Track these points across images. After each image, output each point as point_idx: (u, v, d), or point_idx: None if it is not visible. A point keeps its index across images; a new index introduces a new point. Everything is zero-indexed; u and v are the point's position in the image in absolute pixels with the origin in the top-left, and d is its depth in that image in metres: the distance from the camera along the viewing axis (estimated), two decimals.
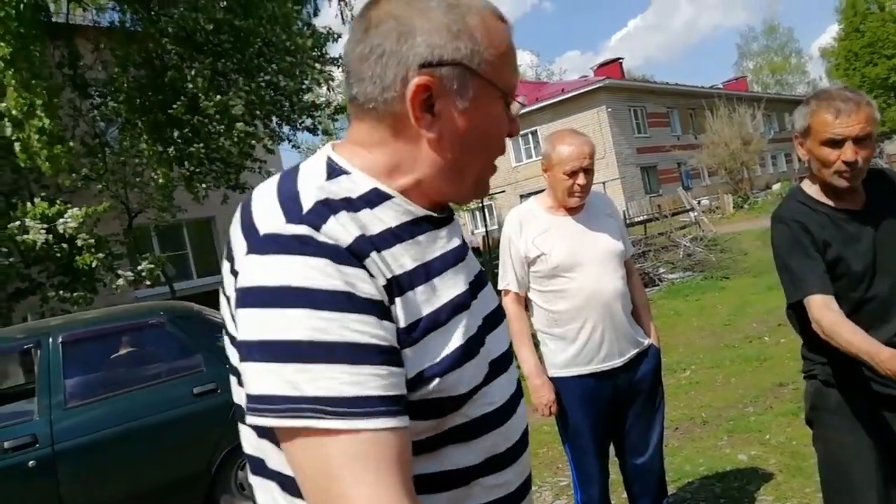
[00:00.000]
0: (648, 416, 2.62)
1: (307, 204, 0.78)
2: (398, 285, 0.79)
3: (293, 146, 12.17)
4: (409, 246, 0.83)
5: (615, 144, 29.23)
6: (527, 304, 2.65)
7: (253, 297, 0.74)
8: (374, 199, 0.83)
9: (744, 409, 4.83)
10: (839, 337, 1.80)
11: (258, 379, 0.72)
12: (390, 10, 0.81)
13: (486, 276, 1.01)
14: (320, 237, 0.74)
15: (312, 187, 0.80)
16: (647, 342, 2.62)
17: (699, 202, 21.79)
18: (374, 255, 0.77)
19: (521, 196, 31.38)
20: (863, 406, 1.97)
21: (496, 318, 0.97)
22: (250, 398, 0.73)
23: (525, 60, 68.20)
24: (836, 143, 1.85)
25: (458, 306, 0.85)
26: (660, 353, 2.67)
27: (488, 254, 13.74)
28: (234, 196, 10.83)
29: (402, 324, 0.78)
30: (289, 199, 0.79)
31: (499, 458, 0.88)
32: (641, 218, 20.63)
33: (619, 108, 29.72)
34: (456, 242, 0.92)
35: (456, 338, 0.83)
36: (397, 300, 0.78)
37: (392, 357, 0.75)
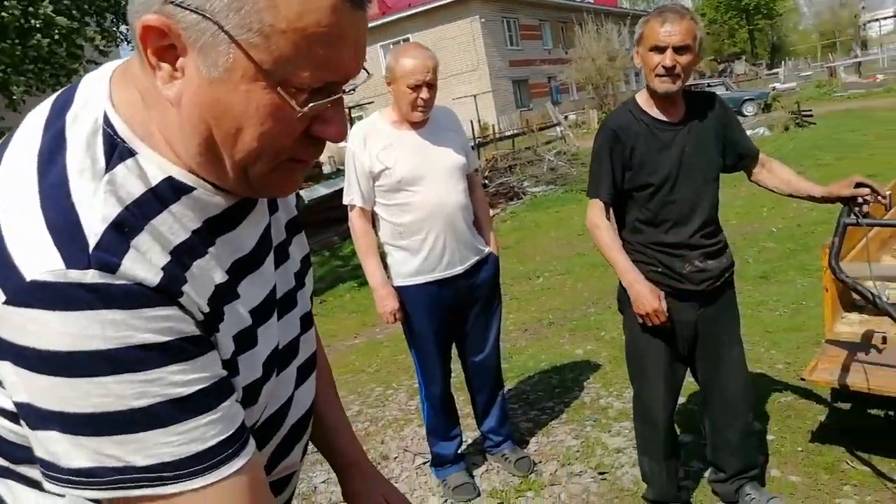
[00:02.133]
0: (486, 319, 2.81)
1: (93, 231, 0.58)
2: (215, 312, 0.66)
3: (134, 48, 11.06)
4: (216, 253, 0.68)
5: (488, 56, 29.24)
6: (374, 219, 2.70)
7: (34, 362, 0.57)
8: (169, 195, 0.65)
9: (587, 310, 5.28)
10: (599, 241, 2.24)
11: (67, 453, 0.59)
12: None
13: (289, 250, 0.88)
14: (118, 281, 0.57)
15: (92, 195, 0.60)
16: (486, 250, 2.77)
17: (566, 117, 22.53)
18: (187, 283, 0.63)
19: None
20: None
21: (290, 301, 0.85)
22: (56, 469, 0.60)
23: None
24: (660, 50, 2.06)
25: (260, 316, 0.75)
26: (498, 261, 2.83)
27: None
28: None
29: (225, 355, 0.67)
30: (64, 225, 0.58)
31: (285, 445, 0.84)
32: (511, 132, 21.05)
33: (493, 19, 29.57)
34: (254, 232, 0.77)
35: (263, 350, 0.74)
36: (220, 327, 0.67)
37: (223, 389, 0.65)
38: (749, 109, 21.80)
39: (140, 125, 0.66)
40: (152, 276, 0.59)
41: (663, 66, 2.05)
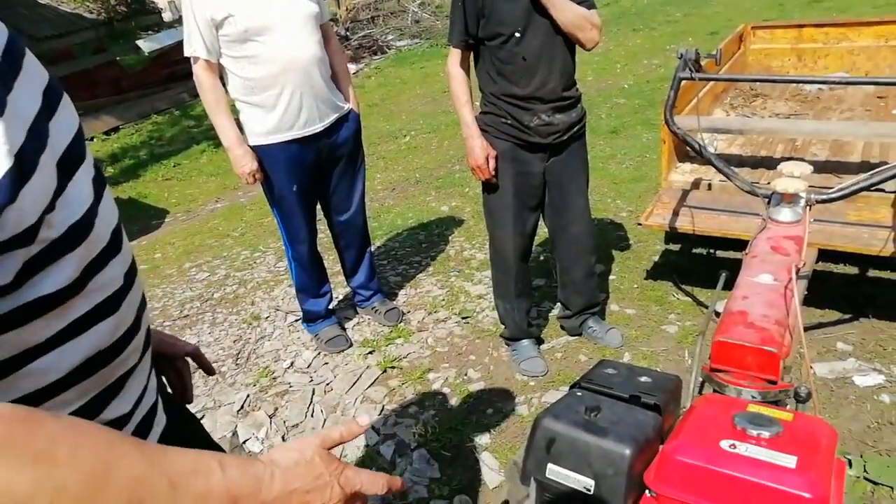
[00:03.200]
0: (350, 178, 2.81)
1: None
2: None
3: None
4: None
5: None
6: (222, 73, 2.51)
7: None
8: None
9: (451, 167, 5.39)
10: (450, 90, 2.41)
11: None
12: None
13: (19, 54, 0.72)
14: None
15: None
16: (346, 107, 2.70)
17: None
18: None
19: None
20: (503, 147, 2.38)
21: (54, 97, 0.73)
22: None
23: None
24: None
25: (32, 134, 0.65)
26: (359, 118, 2.78)
27: None
28: None
29: None
30: None
31: (98, 259, 0.76)
32: None
33: None
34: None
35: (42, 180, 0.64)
36: None
37: None
38: None
39: None
40: None
41: None
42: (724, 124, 3.04)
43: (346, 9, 13.09)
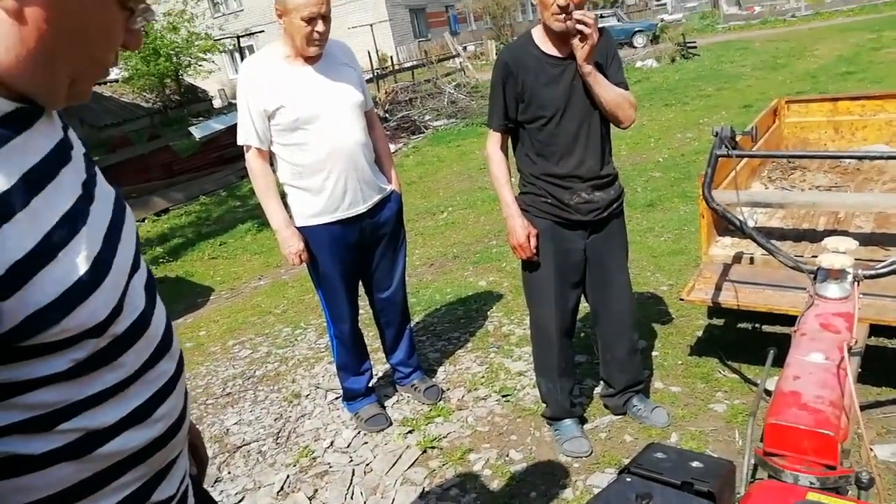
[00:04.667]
0: (392, 256, 2.87)
1: None
2: None
3: None
4: (2, 156, 0.66)
5: None
6: (272, 158, 2.64)
7: None
8: None
9: (488, 242, 5.45)
10: (490, 172, 2.46)
11: None
12: None
13: (95, 169, 0.85)
14: None
15: None
16: (389, 188, 2.79)
17: (465, 48, 22.33)
18: None
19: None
20: (544, 226, 2.41)
21: (119, 219, 0.84)
22: None
23: None
24: None
25: (73, 219, 0.73)
26: (401, 198, 2.86)
27: None
28: None
29: (0, 271, 0.63)
30: None
31: (154, 354, 0.84)
32: (410, 63, 20.66)
33: None
34: (58, 137, 0.77)
35: (80, 262, 0.71)
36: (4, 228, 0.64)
37: None
38: (639, 41, 22.45)
39: None
40: None
41: (558, 6, 2.12)
42: (763, 198, 3.02)
43: (386, 92, 13.67)
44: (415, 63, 19.27)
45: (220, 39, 20.99)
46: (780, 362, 2.09)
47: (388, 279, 2.89)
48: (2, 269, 0.64)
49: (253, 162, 2.57)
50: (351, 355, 2.90)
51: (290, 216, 2.65)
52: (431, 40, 28.07)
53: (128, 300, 0.79)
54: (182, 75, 22.53)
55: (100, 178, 0.84)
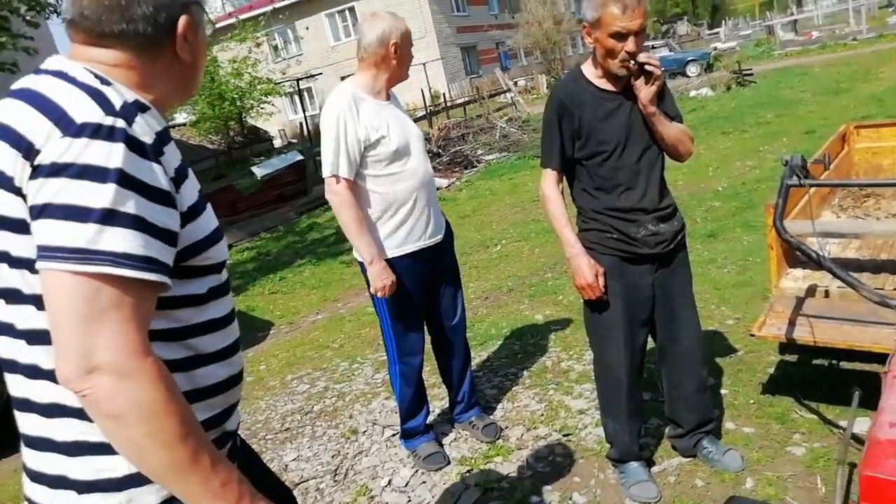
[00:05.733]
0: (455, 284, 2.91)
1: (116, 102, 0.93)
2: (178, 179, 1.00)
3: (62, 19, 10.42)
4: (172, 148, 1.03)
5: (435, 23, 28.79)
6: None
7: (70, 171, 0.87)
8: (141, 107, 0.99)
9: (544, 275, 5.38)
10: (547, 213, 2.38)
11: (58, 233, 0.87)
12: None
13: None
14: (132, 132, 0.92)
15: (104, 89, 0.95)
16: (444, 218, 2.85)
17: (515, 83, 22.50)
18: (165, 152, 0.98)
19: (342, 77, 30.02)
20: (610, 262, 2.34)
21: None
22: (44, 248, 0.88)
23: None
24: (621, 37, 2.09)
25: (204, 197, 1.09)
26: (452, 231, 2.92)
27: (309, 140, 13.31)
28: None
29: (184, 208, 1.00)
30: (97, 95, 0.93)
31: (233, 312, 1.18)
32: (462, 100, 20.93)
33: None
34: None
35: (212, 219, 1.10)
36: (180, 189, 1.00)
37: (169, 238, 0.95)
38: (692, 70, 22.16)
39: (106, 73, 1.01)
40: (148, 137, 0.95)
41: (627, 52, 2.09)
42: (838, 228, 2.89)
43: (439, 128, 13.84)
44: (467, 99, 19.52)
45: (280, 83, 21.77)
46: (865, 403, 1.96)
47: (454, 308, 2.90)
48: (185, 207, 1.01)
49: (343, 193, 2.51)
50: (414, 392, 2.86)
51: (355, 249, 2.66)
52: (483, 76, 28.41)
53: (225, 268, 1.17)
54: (245, 117, 23.46)
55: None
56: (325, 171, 2.53)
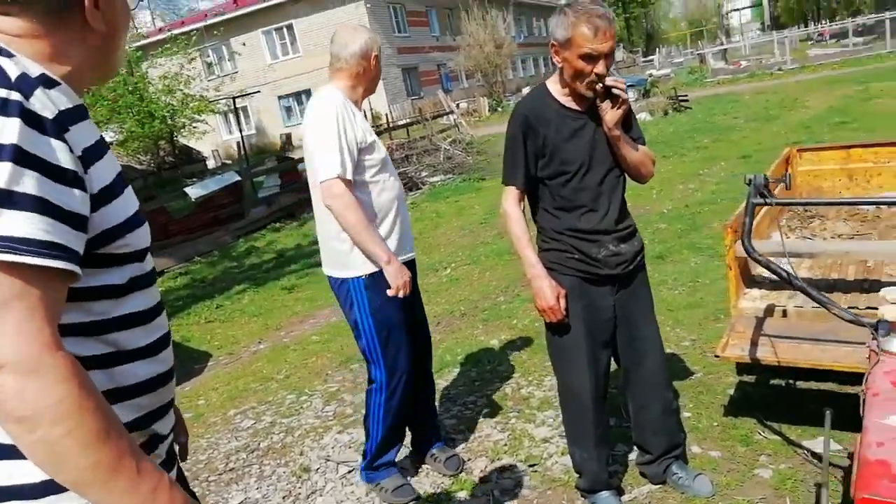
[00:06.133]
0: (421, 305, 2.83)
1: (12, 74, 0.84)
2: (87, 158, 0.91)
3: None
4: (85, 126, 0.95)
5: None
6: None
7: None
8: (47, 82, 0.90)
9: (496, 299, 5.30)
10: (508, 232, 2.31)
11: None
12: None
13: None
14: (29, 105, 0.83)
15: (1, 61, 0.85)
16: None
17: (458, 105, 22.67)
18: (71, 129, 0.89)
19: (280, 97, 29.77)
20: (571, 283, 2.27)
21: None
22: None
23: None
24: (592, 58, 2.04)
25: (123, 180, 1.01)
26: None
27: (246, 160, 12.93)
28: None
29: (94, 190, 0.92)
30: None
31: (160, 304, 1.11)
32: (404, 121, 20.92)
33: (378, 4, 29.15)
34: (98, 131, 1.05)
35: (131, 203, 1.02)
36: (90, 170, 0.91)
37: (77, 221, 0.87)
38: (631, 95, 22.79)
39: (17, 47, 0.92)
40: (49, 111, 0.86)
41: (597, 74, 2.05)
42: (809, 248, 2.92)
43: None
44: (409, 120, 19.50)
45: (215, 101, 21.24)
46: (837, 425, 1.93)
47: (424, 329, 2.82)
48: (96, 189, 0.92)
49: (347, 195, 2.36)
50: (401, 417, 2.69)
51: (347, 263, 2.50)
52: (424, 98, 28.53)
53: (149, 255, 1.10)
54: (176, 137, 22.73)
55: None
56: (329, 173, 2.35)
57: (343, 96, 2.47)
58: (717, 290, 4.40)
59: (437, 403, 3.48)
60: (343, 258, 2.50)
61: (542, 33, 47.87)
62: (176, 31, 24.01)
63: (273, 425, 3.71)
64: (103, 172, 0.95)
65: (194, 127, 21.80)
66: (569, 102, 2.21)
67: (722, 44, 36.09)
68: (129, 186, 1.04)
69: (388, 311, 2.52)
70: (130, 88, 19.47)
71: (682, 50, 50.26)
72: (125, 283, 1.00)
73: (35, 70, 0.90)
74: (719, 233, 5.83)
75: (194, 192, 11.23)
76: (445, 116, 19.77)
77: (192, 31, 25.36)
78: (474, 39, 28.99)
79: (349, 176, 2.38)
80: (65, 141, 0.86)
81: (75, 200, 0.86)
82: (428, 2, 33.83)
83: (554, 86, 2.23)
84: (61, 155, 0.85)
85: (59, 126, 0.86)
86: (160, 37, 22.55)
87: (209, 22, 27.97)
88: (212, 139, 27.33)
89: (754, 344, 2.64)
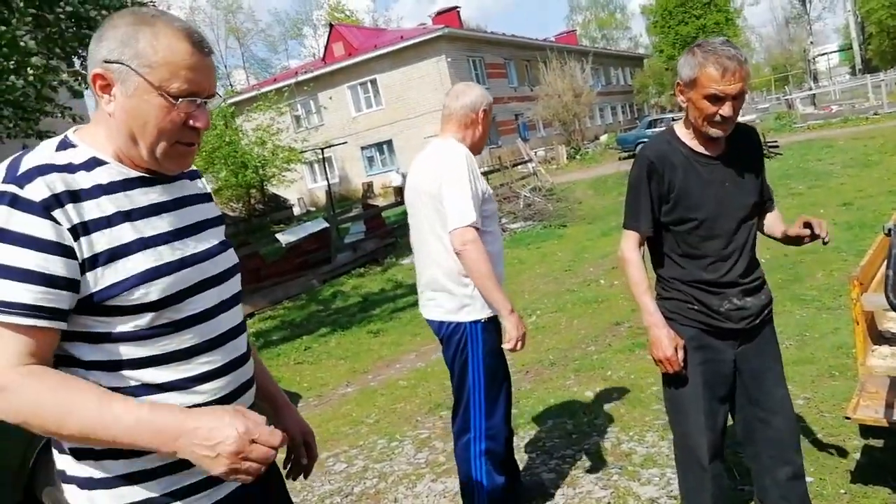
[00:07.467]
0: None
1: (23, 169, 1.05)
2: (86, 228, 1.06)
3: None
4: (115, 198, 1.12)
5: None
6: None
7: None
8: (91, 164, 1.12)
9: (586, 348, 5.16)
10: (627, 277, 2.22)
11: None
12: (111, 21, 1.12)
13: (215, 224, 1.33)
14: (21, 193, 1.02)
15: (36, 157, 1.08)
16: None
17: (536, 153, 22.77)
18: (69, 206, 1.05)
19: (363, 148, 30.82)
20: (691, 334, 2.16)
21: (207, 254, 1.25)
22: None
23: (361, 6, 68.02)
24: (718, 100, 1.95)
25: (153, 240, 1.14)
26: None
27: (332, 209, 13.38)
28: (36, 145, 9.32)
29: (86, 255, 1.06)
30: (10, 167, 1.06)
31: (210, 342, 1.19)
32: (483, 169, 21.14)
33: (459, 58, 29.93)
34: (168, 196, 1.21)
35: (151, 259, 1.12)
36: (82, 239, 1.06)
37: (57, 282, 1.03)
38: None
39: (88, 135, 1.16)
40: (40, 195, 1.03)
41: (722, 116, 1.97)
42: None
43: None
44: (488, 169, 19.70)
45: (304, 151, 22.24)
46: None
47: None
48: (98, 251, 1.07)
49: (479, 242, 2.39)
50: (503, 477, 2.63)
51: (467, 307, 2.50)
52: (502, 147, 28.82)
53: (193, 299, 1.18)
54: (266, 185, 23.85)
55: (218, 230, 1.34)
56: (463, 220, 2.38)
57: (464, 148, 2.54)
58: (828, 345, 4.12)
59: (532, 454, 3.40)
60: (463, 302, 2.50)
61: (620, 82, 47.79)
62: (267, 88, 25.43)
63: (366, 470, 3.69)
64: (113, 237, 1.09)
65: (283, 176, 22.82)
66: (697, 147, 2.12)
67: (810, 88, 34.81)
68: (166, 245, 1.15)
69: (498, 357, 2.52)
70: (227, 140, 20.70)
71: (766, 96, 48.81)
72: (147, 329, 1.11)
73: (83, 156, 1.11)
74: (826, 284, 5.54)
75: (285, 238, 11.69)
76: (523, 164, 19.85)
77: (283, 87, 26.85)
78: (552, 89, 29.17)
79: (479, 224, 2.41)
80: (51, 218, 1.03)
81: (53, 264, 1.03)
82: (506, 54, 34.52)
83: (681, 129, 2.16)
84: (41, 227, 1.02)
85: (50, 205, 1.03)
86: (253, 93, 23.93)
87: (300, 79, 29.48)
88: (298, 187, 28.49)
89: (889, 406, 2.42)
